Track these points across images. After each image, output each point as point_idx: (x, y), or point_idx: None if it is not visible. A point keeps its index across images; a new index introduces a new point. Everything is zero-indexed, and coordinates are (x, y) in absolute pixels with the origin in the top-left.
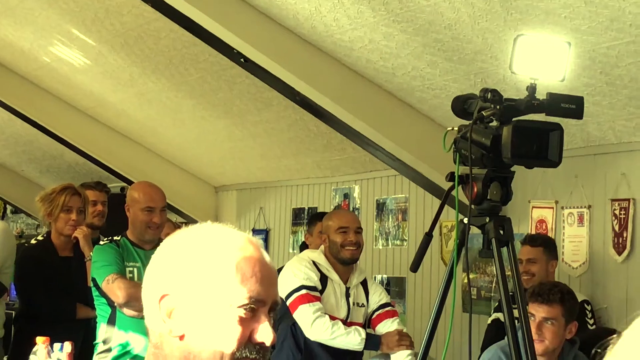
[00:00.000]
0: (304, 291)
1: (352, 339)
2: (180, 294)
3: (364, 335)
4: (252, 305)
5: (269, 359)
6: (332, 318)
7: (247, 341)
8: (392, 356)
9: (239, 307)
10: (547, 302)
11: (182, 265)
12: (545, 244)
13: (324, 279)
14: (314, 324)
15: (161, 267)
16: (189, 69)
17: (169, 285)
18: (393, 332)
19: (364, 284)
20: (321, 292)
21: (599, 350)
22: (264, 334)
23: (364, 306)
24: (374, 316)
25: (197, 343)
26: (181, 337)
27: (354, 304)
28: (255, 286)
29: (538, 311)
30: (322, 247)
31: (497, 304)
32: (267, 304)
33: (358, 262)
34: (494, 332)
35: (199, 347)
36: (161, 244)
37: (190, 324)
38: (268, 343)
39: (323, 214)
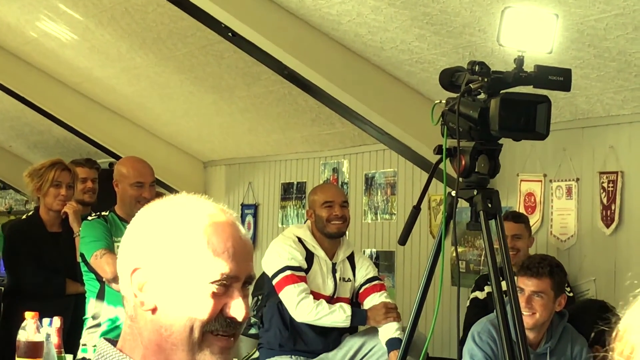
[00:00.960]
0: (288, 272)
1: (337, 317)
2: (152, 268)
3: (349, 312)
4: (224, 282)
5: (240, 333)
6: (319, 295)
7: (219, 315)
8: (380, 330)
9: (212, 282)
10: (536, 275)
11: (153, 239)
12: (526, 221)
13: (309, 256)
14: (299, 306)
15: (133, 240)
16: (177, 43)
17: (140, 259)
18: (379, 305)
19: (351, 258)
20: (307, 270)
21: (602, 327)
22: (237, 309)
23: (351, 281)
24: (361, 290)
25: (168, 316)
26: (153, 311)
27: (340, 279)
28: (228, 262)
29: (527, 285)
30: (309, 222)
31: (473, 284)
32: (241, 279)
33: (345, 236)
34: (474, 312)
35: (170, 321)
36: (135, 216)
37: (162, 298)
38: (240, 319)
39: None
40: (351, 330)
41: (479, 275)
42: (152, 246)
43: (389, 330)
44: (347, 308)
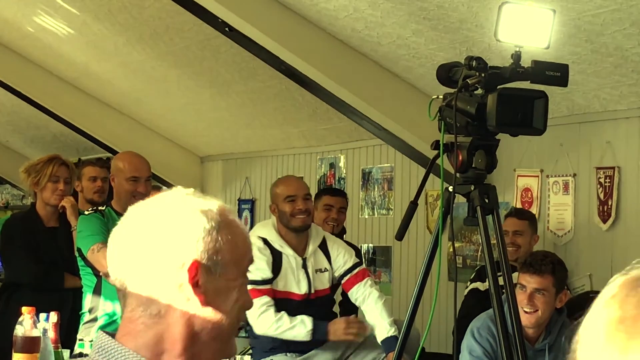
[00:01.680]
0: (250, 286)
1: (298, 332)
2: (207, 262)
3: (310, 326)
4: (246, 277)
5: None
6: (294, 296)
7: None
8: (373, 325)
9: (244, 277)
10: (538, 272)
11: (205, 233)
12: (531, 219)
13: (277, 255)
14: (258, 320)
15: (184, 232)
16: (174, 38)
17: (196, 253)
18: (341, 319)
19: (324, 247)
20: (277, 271)
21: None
22: (250, 301)
23: (327, 270)
24: (344, 281)
25: (219, 310)
26: (204, 305)
27: (314, 272)
28: (250, 253)
29: (530, 282)
30: (274, 218)
31: (474, 273)
32: None
33: (342, 232)
34: (472, 302)
35: (220, 315)
36: (180, 205)
37: (216, 292)
38: (251, 307)
39: (329, 188)
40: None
41: (480, 266)
42: (205, 240)
43: (383, 329)
44: (309, 322)
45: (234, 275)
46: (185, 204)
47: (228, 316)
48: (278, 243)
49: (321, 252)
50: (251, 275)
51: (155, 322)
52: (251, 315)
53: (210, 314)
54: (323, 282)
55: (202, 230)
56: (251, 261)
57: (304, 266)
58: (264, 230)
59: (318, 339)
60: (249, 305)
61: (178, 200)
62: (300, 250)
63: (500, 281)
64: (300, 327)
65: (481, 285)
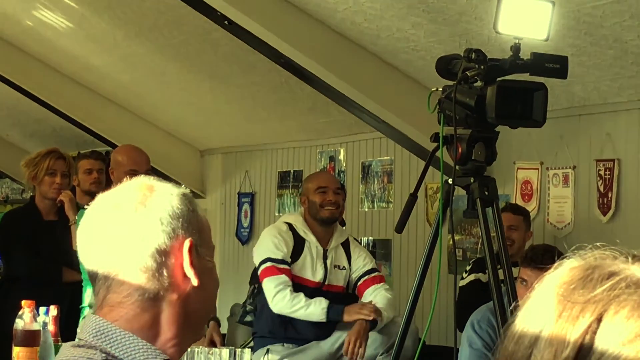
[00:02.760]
0: (269, 263)
1: (313, 311)
2: (201, 243)
3: (325, 305)
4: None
5: None
6: (308, 282)
7: None
8: (367, 293)
9: (212, 254)
10: (539, 267)
11: (193, 214)
12: (526, 214)
13: (300, 241)
14: (275, 298)
15: (174, 214)
16: (173, 31)
17: (189, 233)
18: (357, 304)
19: (346, 246)
20: (296, 256)
21: None
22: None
23: (345, 269)
24: (360, 282)
25: (207, 291)
26: (198, 287)
27: (332, 267)
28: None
29: (530, 276)
30: (302, 209)
31: (469, 265)
32: None
33: (342, 224)
34: (474, 294)
35: (208, 295)
36: (161, 189)
37: (206, 273)
38: None
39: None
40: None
41: (477, 257)
42: (191, 221)
43: (378, 293)
44: (325, 302)
45: (210, 256)
46: (166, 189)
47: (213, 295)
48: (303, 230)
49: (343, 250)
50: (271, 254)
51: (151, 305)
52: (268, 293)
53: (201, 294)
54: (338, 279)
55: (188, 212)
56: (213, 247)
57: (324, 257)
58: (291, 217)
59: (332, 319)
60: (217, 286)
61: (156, 186)
62: (324, 242)
63: (500, 275)
64: (315, 306)
65: (483, 277)
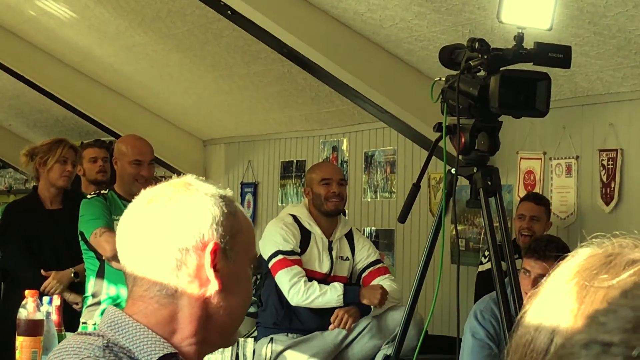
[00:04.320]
0: (280, 256)
1: (329, 297)
2: (226, 246)
3: (340, 290)
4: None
5: None
6: (315, 273)
7: None
8: (371, 283)
9: (250, 267)
10: (542, 258)
11: (224, 218)
12: (547, 205)
13: (306, 234)
14: (291, 290)
15: (203, 215)
16: (176, 22)
17: (215, 235)
18: (377, 285)
19: (350, 237)
20: (304, 249)
21: None
22: (250, 294)
23: (349, 259)
24: (365, 274)
25: (233, 297)
26: (220, 290)
27: (337, 258)
28: (255, 243)
29: (534, 267)
30: (306, 200)
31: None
32: None
33: (343, 214)
34: (490, 282)
35: (233, 302)
36: (198, 189)
37: (231, 278)
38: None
39: None
40: None
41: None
42: (224, 224)
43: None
44: (340, 287)
45: (244, 264)
46: (203, 188)
47: (241, 303)
48: (308, 222)
49: (346, 241)
50: (281, 246)
51: (170, 302)
52: (283, 286)
53: (224, 298)
54: (342, 269)
55: (221, 214)
56: (255, 256)
57: (329, 248)
58: (295, 209)
59: (350, 303)
60: (251, 297)
61: (195, 185)
62: (329, 233)
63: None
64: (331, 293)
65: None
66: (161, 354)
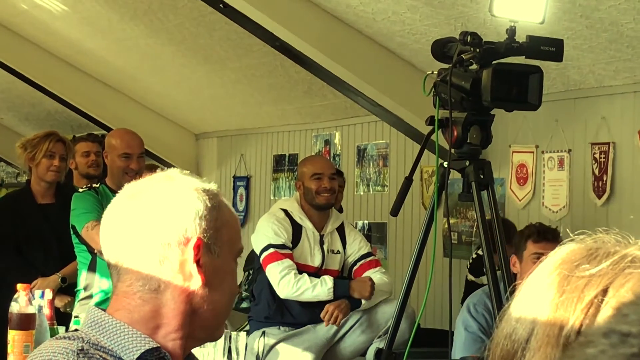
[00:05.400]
0: (271, 250)
1: (319, 291)
2: (209, 241)
3: (330, 284)
4: (238, 257)
5: None
6: (307, 267)
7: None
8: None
9: (235, 262)
10: (554, 240)
11: (206, 212)
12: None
13: (297, 228)
14: (280, 282)
15: (186, 209)
16: (168, 15)
17: (198, 230)
18: (366, 277)
19: (341, 230)
20: (295, 243)
21: None
22: (236, 289)
23: (340, 253)
24: (356, 267)
25: (217, 291)
26: (203, 285)
27: (328, 251)
28: (240, 238)
29: (546, 249)
30: (297, 194)
31: None
32: None
33: (339, 210)
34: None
35: (217, 296)
36: (182, 183)
37: (214, 272)
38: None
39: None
40: None
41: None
42: (207, 219)
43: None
44: (330, 281)
45: (229, 258)
46: (186, 182)
47: (226, 298)
48: (299, 216)
49: (338, 235)
50: (273, 240)
51: (152, 297)
52: (273, 279)
53: (207, 293)
54: (334, 263)
55: (205, 209)
56: (241, 250)
57: (321, 242)
58: (287, 203)
59: (340, 296)
60: (236, 292)
61: (178, 179)
62: (320, 227)
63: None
64: (321, 287)
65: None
66: (143, 350)
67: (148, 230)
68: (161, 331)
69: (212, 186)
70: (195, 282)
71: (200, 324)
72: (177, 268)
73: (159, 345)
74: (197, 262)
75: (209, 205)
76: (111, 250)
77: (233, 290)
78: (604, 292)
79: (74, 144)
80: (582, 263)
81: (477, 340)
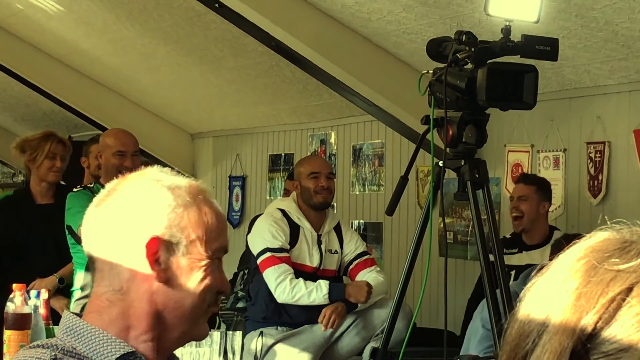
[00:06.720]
0: (268, 254)
1: (314, 296)
2: (170, 239)
3: (326, 289)
4: (222, 254)
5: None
6: (305, 267)
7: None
8: (359, 277)
9: (216, 256)
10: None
11: (167, 209)
12: (539, 184)
13: (295, 228)
14: (277, 288)
15: (147, 207)
16: (163, 14)
17: (157, 228)
18: (361, 282)
19: (338, 230)
20: (293, 243)
21: None
22: (225, 282)
23: (337, 253)
24: (352, 266)
25: (182, 289)
26: (165, 283)
27: (326, 251)
28: (223, 234)
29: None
30: (294, 194)
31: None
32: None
33: (331, 208)
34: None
35: (183, 294)
36: (142, 181)
37: (178, 270)
38: (227, 292)
39: None
40: None
41: (505, 236)
42: (168, 217)
43: (367, 276)
44: (325, 286)
45: (199, 256)
46: (154, 181)
47: (191, 296)
48: (296, 216)
49: (335, 234)
50: (270, 244)
51: (118, 299)
52: (270, 285)
53: (171, 292)
54: (331, 263)
55: (167, 207)
56: (225, 247)
57: (318, 242)
58: (284, 203)
59: (335, 301)
60: (223, 287)
61: (148, 177)
62: (317, 227)
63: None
64: (317, 292)
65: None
66: (118, 355)
67: (111, 230)
68: (132, 333)
69: (182, 182)
70: (155, 282)
71: (170, 324)
72: (137, 267)
73: (134, 349)
74: (156, 260)
75: (172, 203)
76: (86, 252)
77: (203, 287)
78: (629, 290)
79: (90, 144)
80: (613, 255)
81: (490, 338)
